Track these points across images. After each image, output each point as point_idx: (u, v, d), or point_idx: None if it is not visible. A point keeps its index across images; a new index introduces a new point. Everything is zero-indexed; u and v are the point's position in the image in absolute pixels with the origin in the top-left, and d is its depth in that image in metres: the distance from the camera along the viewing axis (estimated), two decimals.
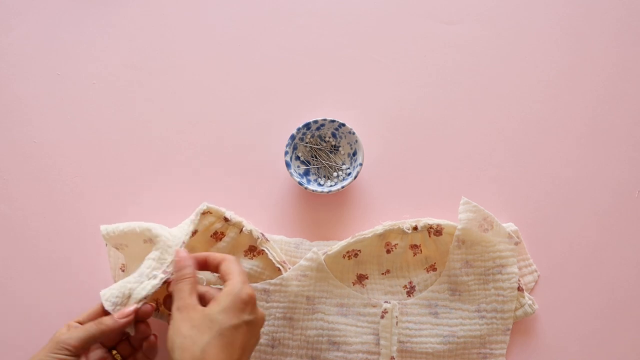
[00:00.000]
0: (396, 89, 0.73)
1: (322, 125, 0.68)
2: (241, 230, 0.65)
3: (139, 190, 0.70)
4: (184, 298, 0.53)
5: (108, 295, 0.56)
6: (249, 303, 0.53)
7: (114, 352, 0.58)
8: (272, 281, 0.63)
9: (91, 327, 0.55)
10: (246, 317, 0.52)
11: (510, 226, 0.68)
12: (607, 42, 0.74)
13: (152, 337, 0.59)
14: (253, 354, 0.62)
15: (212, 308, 0.52)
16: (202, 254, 0.58)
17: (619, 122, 0.72)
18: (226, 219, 0.65)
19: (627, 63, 0.73)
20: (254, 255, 0.65)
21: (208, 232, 0.65)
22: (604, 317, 0.67)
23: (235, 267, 0.55)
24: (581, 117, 0.72)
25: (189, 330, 0.51)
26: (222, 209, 0.65)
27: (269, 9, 0.75)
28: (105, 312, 0.56)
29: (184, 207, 0.69)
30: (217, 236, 0.65)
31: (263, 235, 0.65)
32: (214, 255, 0.58)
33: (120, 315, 0.56)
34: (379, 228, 0.66)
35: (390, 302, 0.65)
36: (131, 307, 0.56)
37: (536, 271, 0.68)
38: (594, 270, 0.68)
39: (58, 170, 0.71)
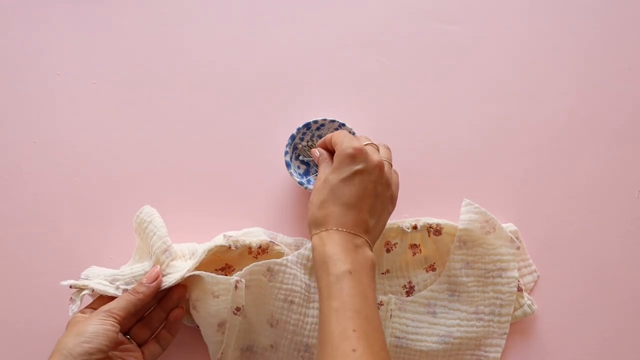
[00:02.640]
0: (396, 89, 0.73)
1: (322, 125, 0.68)
2: (250, 249, 0.65)
3: (139, 190, 0.70)
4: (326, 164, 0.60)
5: (98, 282, 0.59)
6: (356, 155, 0.55)
7: (127, 337, 0.59)
8: (277, 261, 0.62)
9: (129, 296, 0.56)
10: (356, 167, 0.55)
11: (509, 226, 0.68)
12: (608, 42, 0.74)
13: (177, 310, 0.61)
14: (252, 329, 0.63)
15: (327, 173, 0.57)
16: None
17: (619, 122, 0.72)
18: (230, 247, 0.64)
19: (628, 63, 0.73)
20: (258, 254, 0.65)
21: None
22: (604, 317, 0.68)
23: (340, 134, 0.59)
24: (581, 117, 0.72)
25: (314, 196, 0.57)
26: (224, 243, 0.63)
27: (269, 8, 0.75)
28: (109, 299, 0.58)
29: (184, 207, 0.70)
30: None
31: (273, 242, 0.65)
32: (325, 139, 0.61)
33: (149, 279, 0.57)
34: None
35: (387, 296, 0.65)
36: (155, 269, 0.58)
37: (535, 271, 0.68)
38: (593, 270, 0.68)
39: (58, 170, 0.71)
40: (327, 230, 0.54)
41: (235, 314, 0.61)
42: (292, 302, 0.62)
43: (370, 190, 0.56)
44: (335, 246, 0.52)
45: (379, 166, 0.56)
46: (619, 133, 0.71)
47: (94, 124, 0.72)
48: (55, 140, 0.71)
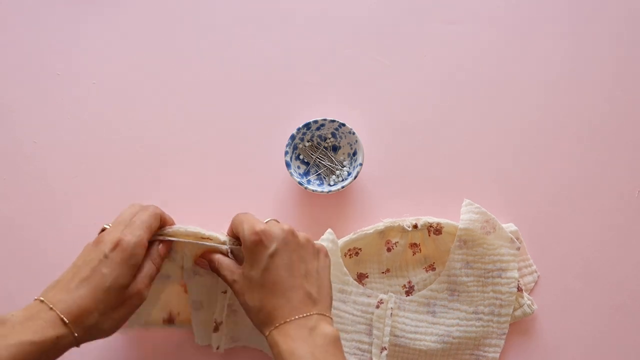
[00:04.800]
0: (396, 88, 0.73)
1: (322, 125, 0.68)
2: None
3: (139, 190, 0.70)
4: (232, 271, 0.56)
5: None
6: (262, 240, 0.53)
7: None
8: None
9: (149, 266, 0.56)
10: (270, 251, 0.53)
11: (510, 226, 0.68)
12: (609, 43, 0.74)
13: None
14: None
15: (245, 269, 0.54)
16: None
17: (619, 122, 0.72)
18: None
19: (629, 63, 0.73)
20: None
21: None
22: (604, 317, 0.68)
23: (236, 220, 0.56)
24: (581, 117, 0.72)
25: (247, 300, 0.53)
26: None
27: (269, 8, 0.75)
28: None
29: (184, 207, 0.70)
30: None
31: None
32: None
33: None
34: (380, 225, 0.66)
35: (387, 294, 0.65)
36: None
37: (536, 272, 0.68)
38: (594, 270, 0.68)
39: (58, 170, 0.71)
40: (276, 327, 0.51)
41: None
42: None
43: (296, 262, 0.54)
44: (290, 342, 0.50)
45: (290, 233, 0.54)
46: (619, 133, 0.71)
47: (94, 124, 0.72)
48: (55, 140, 0.71)
